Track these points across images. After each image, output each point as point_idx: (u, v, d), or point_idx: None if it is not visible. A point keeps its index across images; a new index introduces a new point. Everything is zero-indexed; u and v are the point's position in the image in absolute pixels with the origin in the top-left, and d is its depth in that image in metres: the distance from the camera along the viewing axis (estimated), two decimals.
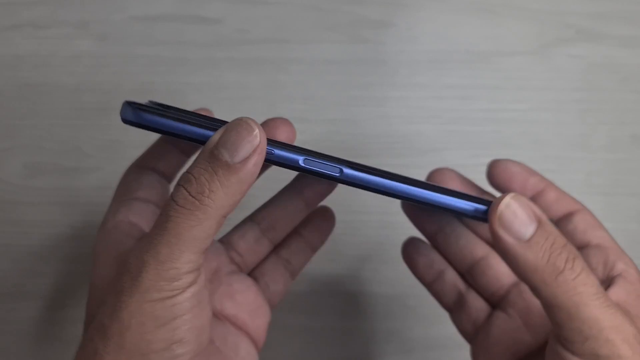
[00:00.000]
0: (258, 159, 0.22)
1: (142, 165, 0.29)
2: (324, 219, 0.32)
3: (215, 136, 0.22)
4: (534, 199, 0.30)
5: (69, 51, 0.43)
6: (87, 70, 0.43)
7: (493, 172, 0.30)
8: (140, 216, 0.27)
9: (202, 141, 0.23)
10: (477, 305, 0.31)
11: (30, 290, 0.43)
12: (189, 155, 0.30)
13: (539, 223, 0.23)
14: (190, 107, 0.42)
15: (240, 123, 0.22)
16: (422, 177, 0.40)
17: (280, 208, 0.31)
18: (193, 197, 0.22)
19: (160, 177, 0.29)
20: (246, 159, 0.22)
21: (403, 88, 0.43)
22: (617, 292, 0.25)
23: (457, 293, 0.32)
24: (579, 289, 0.22)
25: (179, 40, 0.43)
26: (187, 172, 0.22)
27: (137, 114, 0.23)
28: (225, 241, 0.31)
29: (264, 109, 0.42)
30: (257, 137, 0.22)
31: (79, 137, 0.42)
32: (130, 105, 0.23)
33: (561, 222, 0.29)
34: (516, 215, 0.23)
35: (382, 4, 0.43)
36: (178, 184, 0.22)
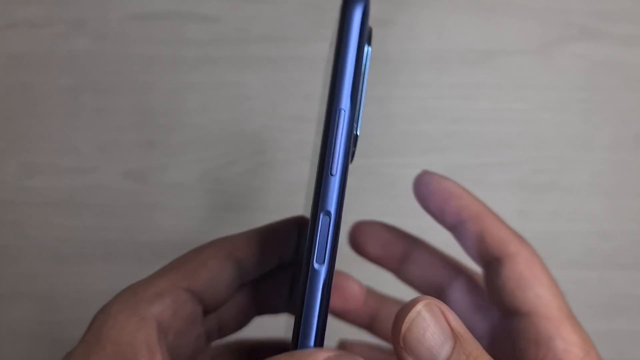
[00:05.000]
0: None
1: (223, 247, 0.24)
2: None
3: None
4: (464, 229, 0.25)
5: (65, 50, 0.42)
6: (83, 70, 0.42)
7: (428, 189, 0.26)
8: (174, 314, 0.22)
9: None
10: None
11: (26, 291, 0.43)
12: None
13: (456, 340, 0.18)
14: (189, 107, 0.42)
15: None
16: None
17: None
18: None
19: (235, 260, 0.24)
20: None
21: (404, 87, 0.42)
22: None
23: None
24: None
25: (177, 39, 0.42)
26: None
27: None
28: None
29: (263, 108, 0.42)
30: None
31: (76, 137, 0.42)
32: None
33: (488, 274, 0.25)
34: (426, 334, 0.18)
35: (383, 2, 0.42)
36: None
